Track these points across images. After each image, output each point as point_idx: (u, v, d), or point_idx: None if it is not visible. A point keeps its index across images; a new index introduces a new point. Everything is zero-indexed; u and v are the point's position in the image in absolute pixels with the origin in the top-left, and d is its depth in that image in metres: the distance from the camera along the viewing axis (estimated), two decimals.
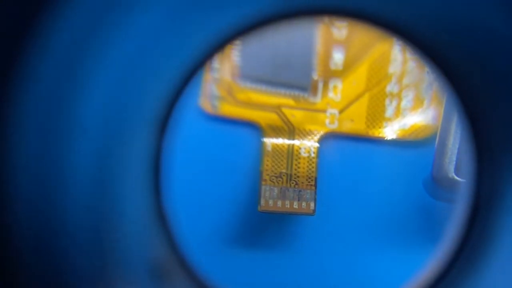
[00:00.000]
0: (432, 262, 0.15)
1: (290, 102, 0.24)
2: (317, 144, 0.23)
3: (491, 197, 0.14)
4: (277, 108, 0.24)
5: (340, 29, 0.24)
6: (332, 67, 0.24)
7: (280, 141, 0.23)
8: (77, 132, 0.13)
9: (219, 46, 0.14)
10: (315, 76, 0.24)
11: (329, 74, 0.24)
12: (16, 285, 0.13)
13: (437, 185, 0.22)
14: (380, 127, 0.24)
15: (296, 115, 0.24)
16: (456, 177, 0.22)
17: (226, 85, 0.24)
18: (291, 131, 0.24)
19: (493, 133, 0.14)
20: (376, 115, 0.24)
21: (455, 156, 0.22)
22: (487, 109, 0.14)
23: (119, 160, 0.14)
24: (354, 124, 0.24)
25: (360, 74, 0.24)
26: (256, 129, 0.24)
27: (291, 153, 0.23)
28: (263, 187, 0.23)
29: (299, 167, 0.23)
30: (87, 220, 0.14)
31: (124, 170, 0.14)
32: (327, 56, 0.24)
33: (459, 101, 0.14)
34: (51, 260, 0.13)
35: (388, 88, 0.24)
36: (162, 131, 0.15)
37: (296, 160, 0.23)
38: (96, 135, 0.13)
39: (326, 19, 0.15)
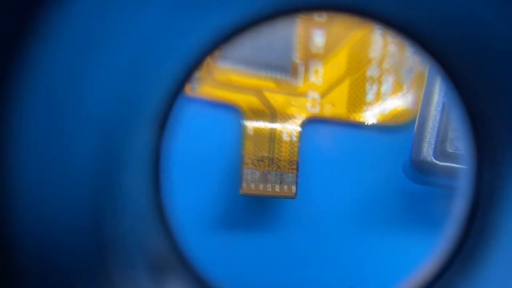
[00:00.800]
0: (431, 259, 0.16)
1: (272, 85, 0.24)
2: (299, 128, 0.23)
3: (491, 193, 0.14)
4: (259, 92, 0.24)
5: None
6: (313, 50, 0.24)
7: (261, 124, 0.23)
8: (79, 126, 0.13)
9: (218, 43, 0.14)
10: (296, 58, 0.24)
11: (310, 57, 0.24)
12: (16, 277, 0.13)
13: (416, 168, 0.23)
14: (361, 112, 0.24)
15: (277, 99, 0.24)
16: (435, 161, 0.22)
17: (205, 65, 0.24)
18: (273, 115, 0.24)
19: (493, 129, 0.14)
20: (357, 100, 0.24)
21: (434, 140, 0.23)
22: (487, 107, 0.14)
23: (120, 156, 0.14)
24: (335, 108, 0.24)
25: (341, 58, 0.24)
26: (237, 112, 0.24)
27: (273, 137, 0.23)
28: (244, 170, 0.23)
29: (281, 151, 0.23)
30: (87, 213, 0.14)
31: (125, 164, 0.14)
32: (308, 39, 0.24)
33: (460, 98, 0.14)
34: (51, 254, 0.13)
35: (369, 73, 0.24)
36: (162, 127, 0.14)
37: (278, 144, 0.23)
38: (97, 131, 0.13)
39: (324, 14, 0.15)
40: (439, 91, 0.22)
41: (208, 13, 0.14)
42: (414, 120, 0.23)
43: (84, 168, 0.14)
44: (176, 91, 0.15)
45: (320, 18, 0.24)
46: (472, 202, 0.15)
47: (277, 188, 0.23)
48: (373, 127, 0.24)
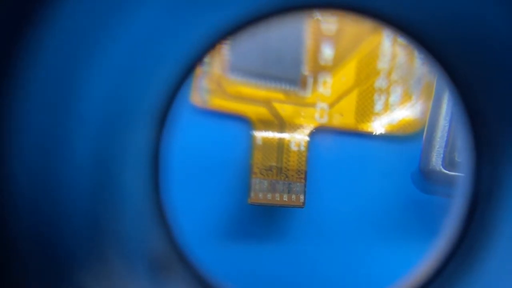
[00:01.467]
0: (430, 257, 0.15)
1: (280, 96, 0.24)
2: (307, 138, 0.24)
3: (490, 193, 0.14)
4: (268, 102, 0.24)
5: (330, 24, 0.24)
6: (322, 62, 0.24)
7: (270, 134, 0.24)
8: (77, 126, 0.13)
9: (216, 41, 0.14)
10: (305, 70, 0.24)
11: (319, 69, 0.24)
12: (17, 277, 0.13)
13: (425, 178, 0.23)
14: (369, 122, 0.24)
15: (286, 110, 0.24)
16: (444, 170, 0.22)
17: (216, 78, 0.24)
18: (281, 125, 0.24)
19: (492, 128, 0.14)
20: (365, 110, 0.24)
21: (443, 149, 0.23)
22: (486, 105, 0.14)
23: (118, 154, 0.14)
24: (343, 118, 0.24)
25: (349, 69, 0.24)
26: (246, 122, 0.24)
27: (281, 147, 0.24)
28: (253, 179, 0.23)
29: (289, 161, 0.23)
30: (87, 213, 0.14)
31: (123, 164, 0.14)
32: (317, 51, 0.24)
33: (459, 97, 0.14)
34: (52, 254, 0.13)
35: (377, 84, 0.24)
36: (161, 126, 0.15)
37: (286, 153, 0.23)
38: (96, 128, 0.13)
39: (324, 13, 0.16)
40: (447, 101, 0.22)
41: (206, 11, 0.14)
42: (422, 130, 0.23)
43: (82, 166, 0.14)
44: (175, 90, 0.15)
45: (329, 29, 0.24)
46: (470, 202, 0.15)
47: (285, 197, 0.23)
48: (381, 137, 0.24)
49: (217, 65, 0.24)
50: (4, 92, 0.12)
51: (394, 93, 0.24)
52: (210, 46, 0.15)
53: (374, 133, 0.24)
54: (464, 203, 0.15)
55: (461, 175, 0.22)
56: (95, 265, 0.14)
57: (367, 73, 0.24)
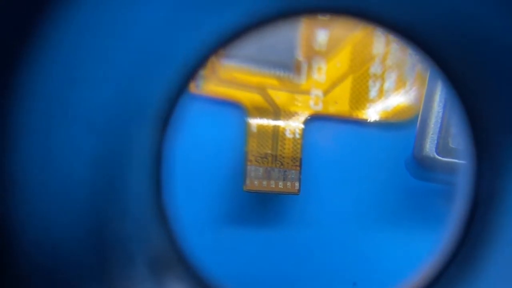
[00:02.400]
0: (431, 259, 0.16)
1: (275, 82, 0.24)
2: (302, 126, 0.24)
3: (490, 194, 0.14)
4: (262, 89, 0.24)
5: None
6: (316, 47, 0.24)
7: (265, 122, 0.24)
8: (81, 128, 0.13)
9: (221, 44, 0.14)
10: (299, 56, 0.24)
11: (313, 55, 0.24)
12: (18, 281, 0.13)
13: (419, 165, 0.23)
14: (363, 109, 0.24)
15: (281, 97, 0.24)
16: (437, 157, 0.23)
17: (210, 63, 0.24)
18: (276, 112, 0.24)
19: (492, 129, 0.14)
20: (360, 97, 0.24)
21: (437, 136, 0.23)
22: (486, 107, 0.14)
23: (122, 156, 0.14)
24: (338, 105, 0.24)
25: (344, 55, 0.24)
26: (241, 109, 0.24)
27: (276, 134, 0.24)
28: (248, 167, 0.23)
29: (284, 148, 0.23)
30: (89, 216, 0.14)
31: (127, 166, 0.14)
32: (311, 36, 0.24)
33: (459, 99, 0.14)
34: (53, 256, 0.13)
35: (372, 70, 0.24)
36: (165, 127, 0.15)
37: (281, 141, 0.24)
38: (99, 130, 0.13)
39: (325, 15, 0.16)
40: (441, 88, 0.23)
41: (210, 14, 0.14)
42: (417, 117, 0.23)
43: (85, 169, 0.14)
44: (179, 92, 0.15)
45: (323, 16, 0.24)
46: (471, 203, 0.15)
47: (280, 185, 0.23)
48: (375, 124, 0.24)
49: None
50: (8, 96, 0.12)
51: (388, 79, 0.24)
52: (214, 48, 0.15)
53: (368, 120, 0.24)
54: (465, 205, 0.15)
55: (454, 161, 0.22)
56: (96, 272, 0.14)
57: (362, 59, 0.24)
